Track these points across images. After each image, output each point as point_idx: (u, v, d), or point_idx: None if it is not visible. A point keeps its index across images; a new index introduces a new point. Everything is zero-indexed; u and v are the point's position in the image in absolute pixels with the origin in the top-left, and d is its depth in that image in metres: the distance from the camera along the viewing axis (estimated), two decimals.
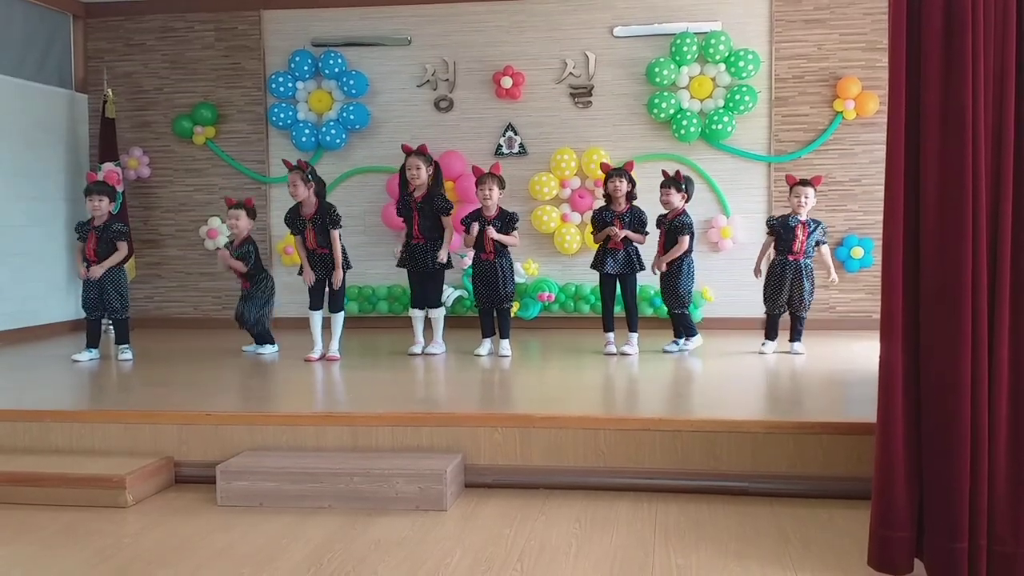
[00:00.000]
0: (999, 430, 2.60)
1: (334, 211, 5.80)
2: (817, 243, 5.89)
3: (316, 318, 5.85)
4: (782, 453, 3.71)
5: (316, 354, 5.81)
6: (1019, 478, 2.60)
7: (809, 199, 5.83)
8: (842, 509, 3.46)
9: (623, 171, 5.89)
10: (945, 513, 2.61)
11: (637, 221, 5.86)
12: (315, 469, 3.69)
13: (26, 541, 3.33)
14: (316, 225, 5.77)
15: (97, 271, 5.87)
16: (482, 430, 3.90)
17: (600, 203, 6.42)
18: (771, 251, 6.03)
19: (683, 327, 6.03)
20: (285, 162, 6.02)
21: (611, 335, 5.94)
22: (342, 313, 5.91)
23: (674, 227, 5.84)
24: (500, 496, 3.72)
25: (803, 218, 5.84)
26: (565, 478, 3.81)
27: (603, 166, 6.10)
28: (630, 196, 5.89)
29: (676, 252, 5.83)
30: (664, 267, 5.88)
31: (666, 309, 6.12)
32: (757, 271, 6.08)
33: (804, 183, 5.87)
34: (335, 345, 5.86)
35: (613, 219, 5.84)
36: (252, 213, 6.16)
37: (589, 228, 6.19)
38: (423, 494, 3.57)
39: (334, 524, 3.43)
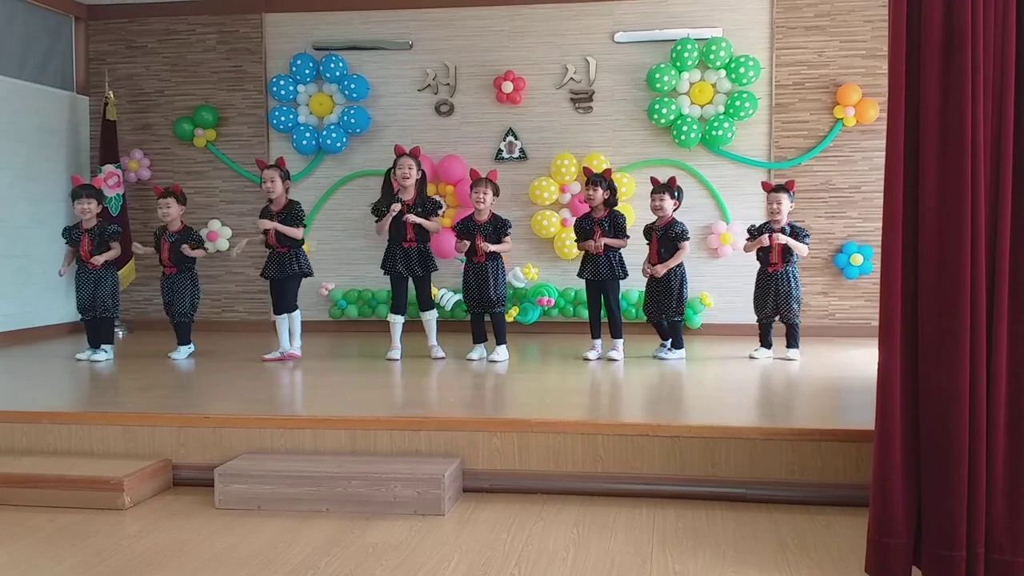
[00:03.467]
0: (997, 438, 2.60)
1: (296, 209, 5.92)
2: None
3: (278, 322, 5.94)
4: (780, 460, 3.71)
5: (276, 354, 5.87)
6: (1017, 486, 2.60)
7: (783, 205, 5.78)
8: (840, 516, 3.46)
9: (601, 178, 5.85)
10: (943, 520, 2.61)
11: (615, 226, 5.84)
12: (313, 472, 3.69)
13: (23, 543, 3.32)
14: (281, 220, 5.87)
15: (98, 260, 5.95)
16: (480, 435, 3.90)
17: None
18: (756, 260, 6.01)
19: (677, 336, 5.94)
20: (259, 161, 6.13)
21: (597, 342, 5.94)
22: (286, 316, 5.91)
23: (671, 235, 5.79)
24: (498, 501, 3.71)
25: (778, 226, 5.80)
26: (563, 483, 3.80)
27: (585, 170, 6.07)
28: (608, 202, 5.86)
29: (679, 258, 5.79)
30: (660, 272, 5.78)
31: (664, 318, 5.98)
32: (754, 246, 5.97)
33: (778, 189, 5.85)
34: (289, 342, 5.92)
35: (593, 226, 5.83)
36: (182, 199, 6.14)
37: (571, 233, 6.22)
38: (421, 498, 3.57)
39: (332, 528, 3.43)
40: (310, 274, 6.05)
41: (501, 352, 5.89)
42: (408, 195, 5.84)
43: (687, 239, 5.81)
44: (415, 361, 5.88)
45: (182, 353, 6.07)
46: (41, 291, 7.44)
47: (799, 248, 5.79)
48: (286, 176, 5.93)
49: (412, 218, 5.75)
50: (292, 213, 5.88)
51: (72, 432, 4.15)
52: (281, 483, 3.67)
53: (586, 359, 5.84)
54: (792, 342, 5.90)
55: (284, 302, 5.92)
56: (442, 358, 5.93)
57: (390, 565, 3.04)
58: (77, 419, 4.19)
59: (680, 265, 5.84)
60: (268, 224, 5.82)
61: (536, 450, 3.86)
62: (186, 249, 5.99)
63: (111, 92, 7.75)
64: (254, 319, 7.87)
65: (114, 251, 6.04)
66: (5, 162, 7.09)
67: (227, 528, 3.44)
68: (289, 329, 5.94)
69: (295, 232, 5.87)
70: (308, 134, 7.62)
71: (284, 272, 5.88)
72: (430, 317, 6.02)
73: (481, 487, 3.83)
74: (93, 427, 4.14)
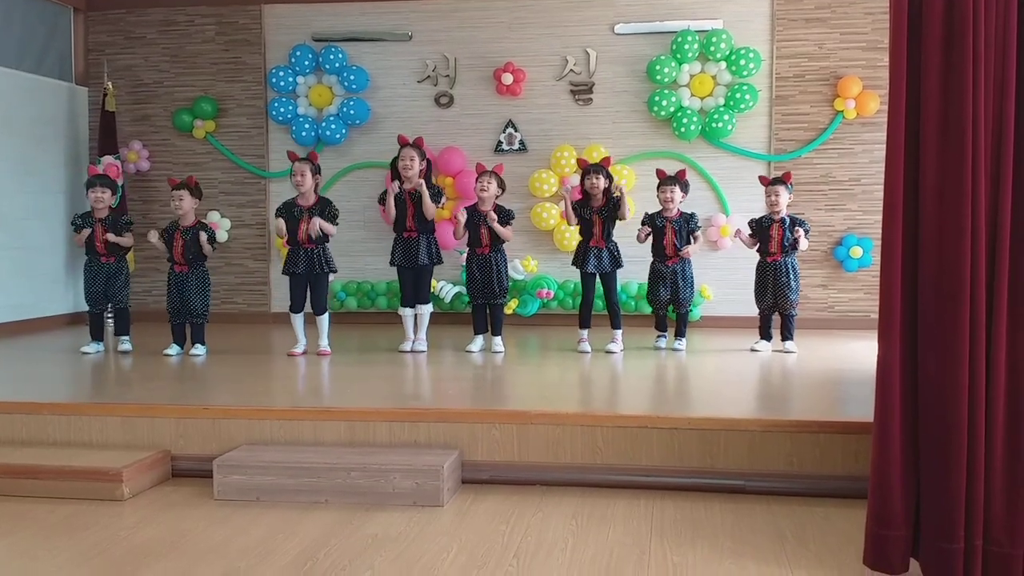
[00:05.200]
0: (996, 430, 2.60)
1: (332, 207, 5.80)
2: (795, 241, 5.82)
3: (298, 320, 5.85)
4: (779, 451, 3.71)
5: (300, 349, 5.80)
6: (1015, 479, 2.60)
7: (781, 197, 5.83)
8: (838, 508, 3.46)
9: (600, 167, 5.86)
10: (941, 513, 2.61)
11: (614, 208, 5.82)
12: (312, 464, 3.69)
13: (23, 533, 3.33)
14: (313, 216, 5.72)
15: (111, 236, 5.87)
16: (479, 426, 3.90)
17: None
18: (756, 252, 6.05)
19: (685, 325, 6.10)
20: (291, 153, 5.96)
21: (585, 332, 5.94)
22: (326, 315, 5.86)
23: (692, 227, 5.93)
24: (497, 492, 3.72)
25: (778, 217, 5.85)
26: (562, 475, 3.81)
27: (580, 161, 6.06)
28: (607, 192, 5.86)
29: (698, 245, 6.02)
30: (692, 253, 5.95)
31: (677, 308, 6.07)
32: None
33: (775, 181, 5.90)
34: (324, 340, 5.83)
35: (592, 215, 5.84)
36: (197, 192, 5.91)
37: (563, 222, 6.24)
38: (420, 490, 3.58)
39: (330, 519, 3.43)
40: (336, 271, 5.96)
41: (498, 343, 5.91)
42: (411, 184, 5.82)
43: (701, 229, 6.04)
44: (416, 353, 5.88)
45: (201, 350, 5.88)
46: (39, 283, 7.43)
47: (803, 245, 5.86)
48: (317, 171, 5.80)
49: (418, 180, 5.70)
50: (331, 211, 5.76)
51: (71, 423, 4.15)
52: (280, 474, 3.67)
53: (582, 351, 5.83)
54: (787, 334, 5.92)
55: (319, 302, 5.80)
56: (423, 351, 5.90)
57: (389, 556, 3.05)
58: (76, 410, 4.19)
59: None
60: (322, 226, 5.66)
61: (535, 442, 3.87)
62: (202, 238, 5.75)
63: (110, 83, 7.73)
64: (253, 311, 7.87)
65: (127, 240, 5.98)
66: (3, 153, 7.07)
67: (226, 519, 3.45)
68: (306, 328, 5.87)
69: (333, 230, 5.77)
70: (307, 125, 7.60)
71: (315, 269, 5.75)
72: (424, 311, 5.98)
73: (480, 478, 3.83)
74: (92, 418, 4.14)
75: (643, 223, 6.00)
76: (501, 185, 5.94)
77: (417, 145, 5.83)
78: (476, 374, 5.20)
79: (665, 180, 5.94)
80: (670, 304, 6.04)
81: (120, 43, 7.94)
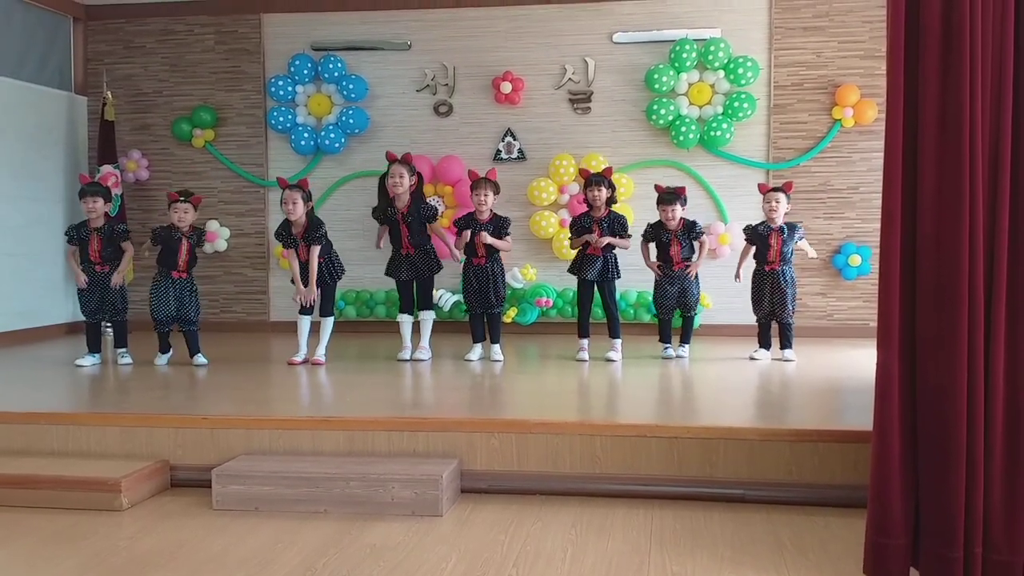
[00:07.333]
0: (995, 438, 2.60)
1: (320, 230, 5.74)
2: (794, 248, 5.89)
3: (304, 322, 5.84)
4: (778, 460, 3.71)
5: (300, 358, 5.79)
6: (1015, 487, 2.60)
7: (780, 204, 5.83)
8: (838, 517, 3.46)
9: (602, 178, 5.86)
10: (941, 521, 2.61)
11: (617, 226, 5.85)
12: (311, 474, 3.69)
13: (21, 544, 3.32)
14: (307, 241, 5.73)
15: (117, 279, 5.82)
16: (478, 435, 3.90)
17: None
18: (752, 259, 6.06)
19: (691, 331, 6.15)
20: (281, 180, 5.95)
21: (585, 342, 5.94)
22: (332, 318, 5.89)
23: (695, 234, 5.94)
24: (496, 502, 3.71)
25: (775, 225, 5.86)
26: (561, 484, 3.80)
27: (582, 172, 6.06)
28: (610, 202, 5.88)
29: (703, 255, 6.02)
30: (695, 272, 5.98)
31: (683, 313, 6.11)
32: (737, 276, 6.12)
33: (775, 189, 5.91)
34: (321, 349, 5.82)
35: (592, 225, 5.84)
36: (196, 207, 5.90)
37: (567, 233, 6.25)
38: (419, 499, 3.57)
39: (329, 529, 3.42)
40: (344, 272, 6.00)
41: (497, 351, 5.91)
42: (402, 203, 5.80)
43: (703, 235, 6.01)
44: (415, 362, 5.87)
45: (203, 360, 5.87)
46: (38, 292, 7.43)
47: (811, 252, 5.99)
48: (308, 198, 5.76)
49: (437, 229, 5.96)
50: (318, 234, 5.70)
51: (70, 433, 4.14)
52: (279, 484, 3.67)
53: (580, 360, 5.83)
54: (785, 342, 5.92)
55: (327, 306, 5.86)
56: (424, 360, 5.89)
57: (388, 566, 3.04)
58: (75, 420, 4.19)
59: None
60: (312, 273, 5.68)
61: (534, 451, 3.86)
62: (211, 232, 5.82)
63: (109, 92, 7.74)
64: (252, 320, 7.87)
65: (127, 256, 5.90)
66: (3, 162, 7.08)
67: (225, 529, 3.44)
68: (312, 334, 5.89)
69: (316, 257, 5.74)
70: (306, 134, 7.61)
71: (324, 279, 5.79)
72: (427, 317, 6.01)
73: (479, 488, 3.83)
74: (91, 428, 4.13)
75: (645, 237, 6.01)
76: (496, 191, 5.94)
77: (406, 161, 5.81)
78: (475, 383, 5.20)
79: (665, 199, 5.91)
80: (676, 309, 6.04)
81: (119, 52, 7.95)
